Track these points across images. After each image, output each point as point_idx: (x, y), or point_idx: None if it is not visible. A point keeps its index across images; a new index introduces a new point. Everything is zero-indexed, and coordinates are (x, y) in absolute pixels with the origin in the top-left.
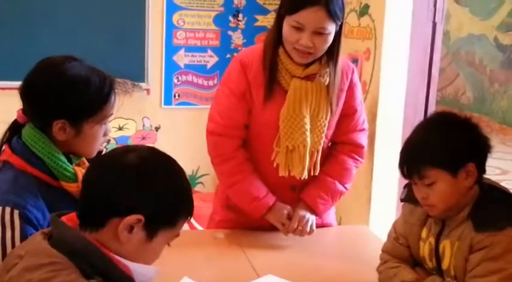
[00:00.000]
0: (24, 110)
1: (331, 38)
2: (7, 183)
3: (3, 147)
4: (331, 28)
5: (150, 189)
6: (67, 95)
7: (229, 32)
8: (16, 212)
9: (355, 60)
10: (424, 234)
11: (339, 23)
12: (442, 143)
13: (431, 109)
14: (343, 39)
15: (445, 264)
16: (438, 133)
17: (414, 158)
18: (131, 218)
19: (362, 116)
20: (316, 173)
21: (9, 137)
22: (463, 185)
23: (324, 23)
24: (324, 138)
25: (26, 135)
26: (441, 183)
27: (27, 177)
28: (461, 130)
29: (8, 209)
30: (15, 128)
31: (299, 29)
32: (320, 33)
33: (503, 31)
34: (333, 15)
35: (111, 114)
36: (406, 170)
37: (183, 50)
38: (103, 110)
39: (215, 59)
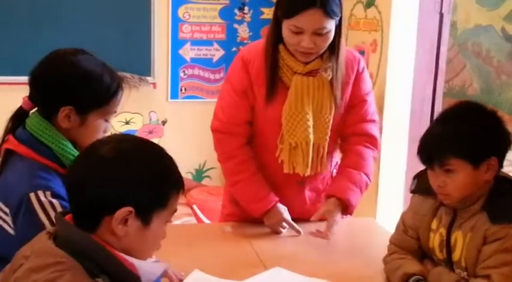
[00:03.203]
0: (31, 97)
1: (331, 35)
2: (25, 172)
3: (6, 137)
4: (331, 26)
5: (130, 179)
6: (79, 85)
7: (235, 25)
8: (48, 193)
9: (361, 52)
10: (434, 225)
11: (338, 18)
12: (470, 135)
13: (439, 101)
14: (345, 32)
15: (456, 256)
16: (466, 124)
17: (439, 146)
18: (121, 212)
19: (371, 107)
20: (323, 170)
21: (12, 126)
22: (482, 177)
23: (322, 24)
24: (329, 134)
25: (32, 124)
26: (461, 173)
27: (38, 164)
28: (489, 123)
29: (40, 192)
30: (19, 117)
31: (298, 32)
32: (320, 33)
33: (511, 22)
34: (330, 14)
35: (115, 111)
36: (427, 157)
37: (189, 43)
38: (110, 104)
39: (221, 52)
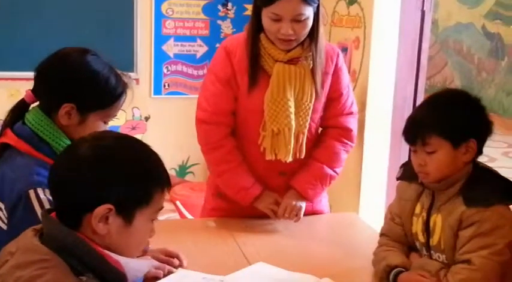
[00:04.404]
0: (35, 90)
1: (310, 22)
2: (24, 168)
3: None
4: (309, 12)
5: (108, 177)
6: (86, 84)
7: (219, 21)
8: (47, 191)
9: (344, 49)
10: (417, 209)
11: (316, 5)
12: (452, 115)
13: (420, 98)
14: (328, 29)
15: (435, 239)
16: (449, 106)
17: (422, 124)
18: (100, 210)
19: (349, 99)
20: (302, 156)
21: (11, 119)
22: (460, 159)
23: (300, 10)
24: (309, 121)
25: (32, 119)
26: (441, 152)
27: (36, 160)
28: (471, 108)
29: (40, 190)
30: (19, 109)
31: (278, 19)
32: (299, 20)
33: (491, 19)
34: (307, 1)
35: (115, 115)
36: (411, 135)
37: (172, 39)
38: (112, 107)
39: (204, 48)
